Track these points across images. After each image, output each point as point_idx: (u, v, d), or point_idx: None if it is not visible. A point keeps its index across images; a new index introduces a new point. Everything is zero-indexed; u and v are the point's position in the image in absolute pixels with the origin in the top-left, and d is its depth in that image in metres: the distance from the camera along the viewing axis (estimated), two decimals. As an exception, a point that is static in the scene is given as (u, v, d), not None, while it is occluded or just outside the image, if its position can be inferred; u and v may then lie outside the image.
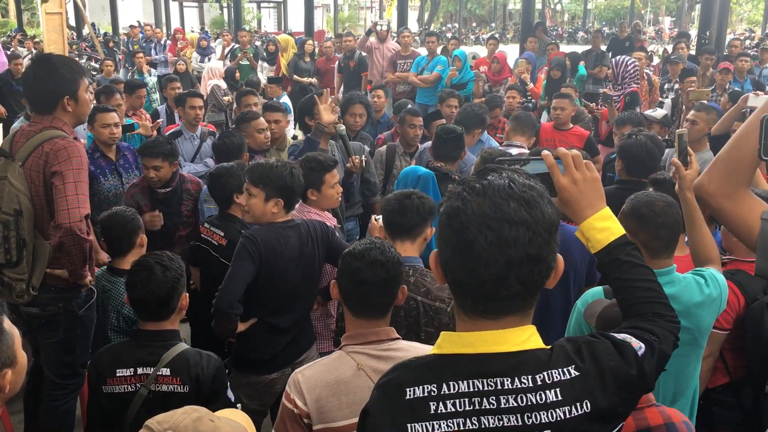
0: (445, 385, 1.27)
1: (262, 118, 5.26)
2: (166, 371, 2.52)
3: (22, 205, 3.12)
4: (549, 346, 1.33)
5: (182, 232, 4.55)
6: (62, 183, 3.08)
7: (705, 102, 5.83)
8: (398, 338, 2.22)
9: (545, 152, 1.51)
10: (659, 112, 6.28)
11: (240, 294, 3.07)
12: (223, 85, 9.63)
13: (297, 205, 3.60)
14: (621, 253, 1.49)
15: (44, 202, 3.17)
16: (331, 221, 3.68)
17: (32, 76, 3.26)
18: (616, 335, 1.39)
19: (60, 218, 3.06)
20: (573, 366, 1.29)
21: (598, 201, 1.51)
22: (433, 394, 1.27)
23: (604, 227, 1.50)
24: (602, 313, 2.27)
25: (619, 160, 4.14)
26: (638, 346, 1.37)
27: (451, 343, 1.33)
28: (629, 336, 1.39)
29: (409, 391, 1.28)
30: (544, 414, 1.25)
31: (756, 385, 2.86)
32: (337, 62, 10.96)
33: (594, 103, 7.54)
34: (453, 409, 1.25)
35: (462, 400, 1.26)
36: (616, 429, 1.34)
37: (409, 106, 6.37)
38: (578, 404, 1.26)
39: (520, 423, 1.25)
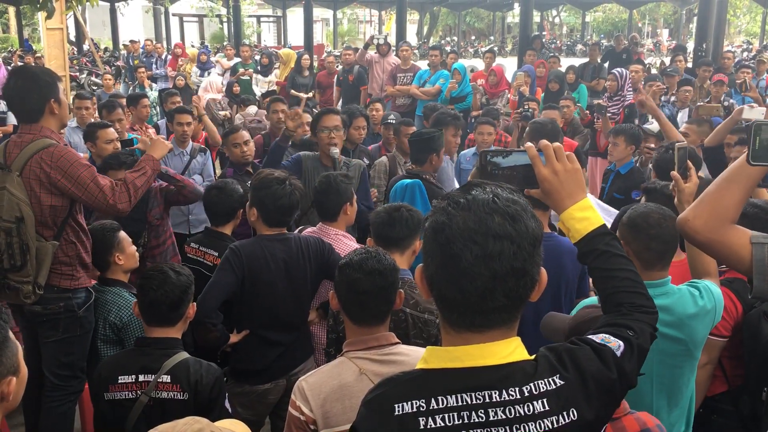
0: (433, 400, 1.27)
1: (241, 132, 5.15)
2: (166, 378, 2.54)
3: (23, 213, 3.22)
4: (533, 356, 1.35)
5: (153, 242, 4.41)
6: (83, 190, 3.27)
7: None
8: (398, 343, 2.25)
9: (528, 144, 1.55)
10: (656, 125, 6.30)
11: (217, 304, 3.10)
12: (219, 98, 9.66)
13: (316, 228, 3.59)
14: (600, 243, 1.52)
15: (43, 208, 3.28)
16: (349, 244, 3.50)
17: (15, 88, 3.32)
18: (594, 337, 1.41)
19: (107, 207, 3.33)
20: (558, 375, 1.31)
21: (578, 191, 1.53)
22: (422, 409, 1.27)
23: (583, 217, 1.53)
24: (574, 325, 2.21)
25: (653, 173, 4.12)
26: (617, 345, 1.38)
27: (437, 357, 1.34)
28: (607, 335, 1.41)
29: (398, 407, 1.29)
30: (532, 425, 1.27)
31: (753, 393, 2.88)
32: (336, 76, 11.02)
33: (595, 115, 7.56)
34: (442, 424, 1.26)
35: (451, 414, 1.27)
36: None
37: (391, 117, 6.47)
38: (565, 413, 1.28)
39: None
